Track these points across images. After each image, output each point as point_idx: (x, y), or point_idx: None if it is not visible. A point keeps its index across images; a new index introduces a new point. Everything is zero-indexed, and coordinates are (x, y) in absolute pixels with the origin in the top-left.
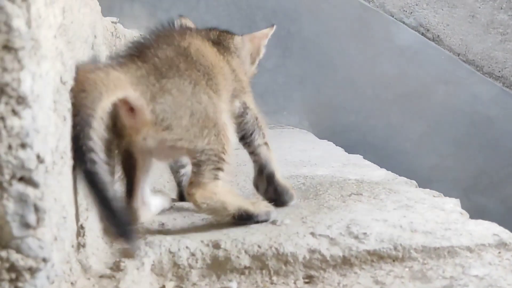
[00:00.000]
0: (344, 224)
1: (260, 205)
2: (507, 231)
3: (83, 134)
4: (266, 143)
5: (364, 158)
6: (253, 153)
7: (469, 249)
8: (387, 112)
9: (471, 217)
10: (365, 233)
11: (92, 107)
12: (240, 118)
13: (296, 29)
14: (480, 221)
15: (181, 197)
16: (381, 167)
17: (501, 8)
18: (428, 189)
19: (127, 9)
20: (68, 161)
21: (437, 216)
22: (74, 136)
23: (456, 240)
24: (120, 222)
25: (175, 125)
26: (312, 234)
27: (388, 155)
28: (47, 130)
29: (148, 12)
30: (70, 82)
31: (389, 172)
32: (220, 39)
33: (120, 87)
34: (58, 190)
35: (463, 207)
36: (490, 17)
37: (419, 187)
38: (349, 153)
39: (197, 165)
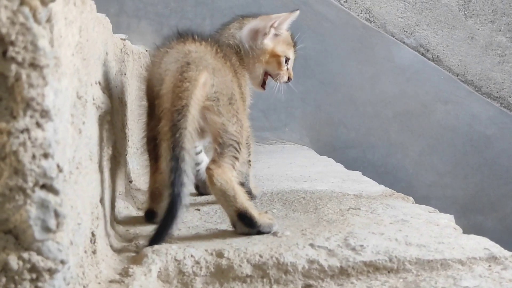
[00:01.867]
0: (342, 236)
1: (264, 217)
2: (497, 245)
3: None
4: (249, 161)
5: (363, 174)
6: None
7: (461, 262)
8: (386, 129)
9: (468, 234)
10: (362, 245)
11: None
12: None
13: (299, 48)
14: (472, 235)
15: (196, 187)
16: (380, 184)
17: (500, 30)
18: (424, 205)
19: (134, 26)
20: (83, 171)
21: (431, 230)
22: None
23: (449, 253)
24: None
25: (220, 98)
26: (311, 245)
27: (387, 172)
28: (65, 141)
29: (154, 29)
30: (85, 97)
31: (387, 188)
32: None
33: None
34: (74, 198)
35: (460, 225)
36: (488, 39)
37: (416, 203)
38: (348, 169)
39: (222, 146)
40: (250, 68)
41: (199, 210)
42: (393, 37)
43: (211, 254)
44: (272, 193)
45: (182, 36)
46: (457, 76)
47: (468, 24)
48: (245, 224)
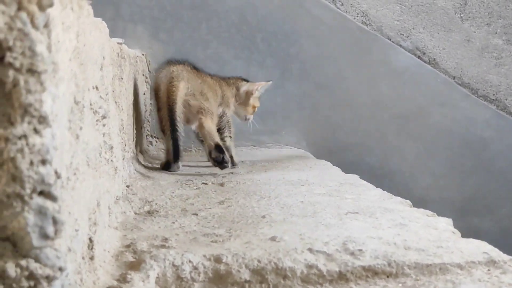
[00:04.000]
0: (341, 241)
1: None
2: (496, 249)
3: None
4: (230, 136)
5: (360, 177)
6: (222, 139)
7: (459, 266)
8: (383, 132)
9: (465, 237)
10: (360, 250)
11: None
12: (220, 118)
13: (295, 51)
14: (471, 239)
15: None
16: (377, 187)
17: (496, 33)
18: (422, 209)
19: (130, 30)
20: (80, 176)
21: (430, 234)
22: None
23: (448, 258)
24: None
25: (195, 93)
26: (310, 250)
27: (384, 174)
28: (63, 147)
29: (150, 33)
30: (83, 102)
31: (385, 192)
32: (230, 82)
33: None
34: (71, 204)
35: (457, 227)
36: (485, 42)
37: (414, 207)
38: (345, 172)
39: (203, 113)
40: (236, 106)
41: (196, 215)
42: (390, 40)
43: (209, 259)
44: (270, 197)
45: (169, 61)
46: (454, 79)
47: (464, 27)
48: (218, 151)
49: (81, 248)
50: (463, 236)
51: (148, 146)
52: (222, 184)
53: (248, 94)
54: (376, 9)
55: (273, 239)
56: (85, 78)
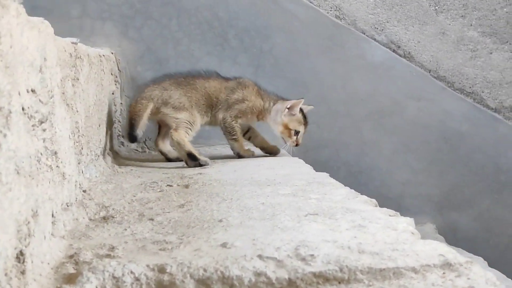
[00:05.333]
0: (294, 245)
1: (202, 156)
2: (453, 251)
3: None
4: (233, 139)
5: (337, 174)
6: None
7: (414, 270)
8: (359, 128)
9: (444, 232)
10: (312, 255)
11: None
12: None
13: (268, 47)
14: (429, 241)
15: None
16: (353, 183)
17: (471, 25)
18: (385, 208)
19: (98, 28)
20: (3, 187)
21: (387, 236)
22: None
23: (402, 261)
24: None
25: (168, 103)
26: (260, 256)
27: (361, 171)
28: None
29: (120, 31)
30: (8, 108)
31: (352, 190)
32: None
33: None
34: None
35: (435, 222)
36: (460, 34)
37: (392, 203)
38: (321, 170)
39: (176, 124)
40: (272, 127)
41: (152, 220)
42: (364, 34)
43: (153, 269)
44: (231, 199)
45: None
46: (429, 72)
47: (439, 20)
48: (191, 159)
49: (4, 264)
50: (440, 232)
51: (120, 146)
52: (187, 186)
53: (279, 112)
54: (349, 3)
55: (224, 245)
56: (13, 82)
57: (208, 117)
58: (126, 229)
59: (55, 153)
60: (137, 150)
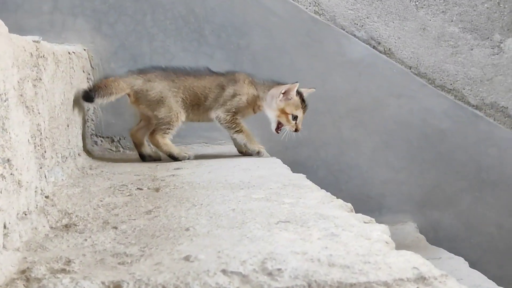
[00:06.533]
0: (261, 258)
1: (181, 151)
2: (428, 263)
3: None
4: (236, 131)
5: (315, 173)
6: (231, 136)
7: (386, 285)
8: (339, 126)
9: (425, 231)
10: (279, 269)
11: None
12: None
13: (246, 43)
14: (403, 251)
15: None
16: (333, 183)
17: (452, 21)
18: (360, 214)
19: (70, 24)
20: None
21: (360, 246)
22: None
23: (374, 275)
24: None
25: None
26: (224, 271)
27: (341, 169)
28: None
29: (92, 26)
30: None
31: (328, 194)
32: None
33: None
34: None
35: (417, 221)
36: (440, 30)
37: (373, 202)
38: (301, 169)
39: (157, 124)
40: (268, 114)
41: (116, 228)
42: (343, 30)
43: (108, 287)
44: (202, 204)
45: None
46: (410, 69)
47: (419, 15)
48: (173, 158)
49: None
50: (422, 231)
51: (93, 146)
52: (157, 190)
53: (274, 98)
54: None
55: (187, 258)
56: None
57: (195, 115)
58: (86, 239)
59: (8, 160)
60: (111, 150)
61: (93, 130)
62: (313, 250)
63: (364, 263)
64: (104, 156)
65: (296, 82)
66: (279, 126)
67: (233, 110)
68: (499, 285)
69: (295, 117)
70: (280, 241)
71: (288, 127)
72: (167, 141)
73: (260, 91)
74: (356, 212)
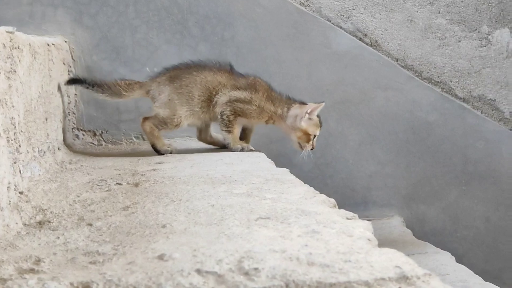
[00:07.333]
0: (238, 257)
1: (164, 146)
2: (411, 262)
3: None
4: (227, 131)
5: (301, 167)
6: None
7: (367, 285)
8: (325, 119)
9: (412, 224)
10: (256, 269)
11: None
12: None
13: (230, 35)
14: (385, 250)
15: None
16: (318, 176)
17: (439, 12)
18: (343, 210)
19: (50, 15)
20: None
21: (341, 244)
22: None
23: (355, 274)
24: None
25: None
26: (198, 271)
27: (326, 163)
28: None
29: (73, 18)
30: None
31: (311, 188)
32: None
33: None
34: None
35: (403, 215)
36: (428, 22)
37: (359, 195)
38: (286, 162)
39: (155, 116)
40: (287, 132)
41: (91, 225)
42: (330, 21)
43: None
44: (181, 200)
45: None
46: (397, 61)
47: (406, 7)
48: (155, 151)
49: None
50: (408, 224)
51: (74, 140)
52: (137, 185)
53: (298, 118)
54: None
55: (161, 257)
56: None
57: (206, 113)
58: (59, 237)
59: None
60: (93, 144)
61: (74, 124)
62: (293, 248)
63: (345, 261)
64: (85, 150)
65: (322, 102)
66: (301, 145)
67: (238, 113)
68: (486, 279)
69: (314, 136)
70: (259, 239)
71: (307, 148)
72: (156, 132)
73: (278, 107)
74: (342, 206)
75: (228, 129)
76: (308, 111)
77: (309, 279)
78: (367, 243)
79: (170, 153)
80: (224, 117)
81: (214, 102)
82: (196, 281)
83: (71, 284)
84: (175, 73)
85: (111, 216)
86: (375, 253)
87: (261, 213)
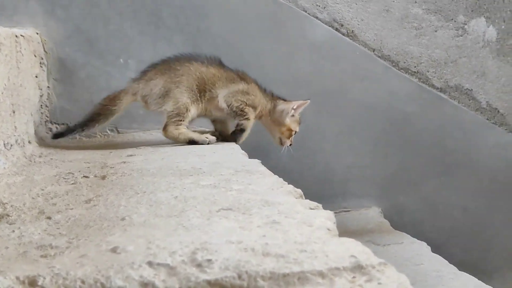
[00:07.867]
0: (192, 248)
1: (201, 136)
2: (367, 250)
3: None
4: (246, 118)
5: (278, 159)
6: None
7: (321, 275)
8: (303, 111)
9: (390, 215)
10: (209, 260)
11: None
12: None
13: (206, 27)
14: (344, 239)
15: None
16: (296, 168)
17: (415, 2)
18: (307, 200)
19: (22, 6)
20: None
21: (300, 234)
22: None
23: (309, 264)
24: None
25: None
26: (150, 263)
27: (305, 155)
28: None
29: (45, 9)
30: None
31: (280, 179)
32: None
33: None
34: None
35: (382, 206)
36: (404, 11)
37: (337, 187)
38: (263, 155)
39: (168, 117)
40: (270, 127)
41: (50, 218)
42: (305, 12)
43: (23, 282)
44: (145, 192)
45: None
46: (373, 51)
47: None
48: (192, 143)
49: None
50: (386, 215)
51: (47, 133)
52: (103, 177)
53: (284, 113)
54: None
55: (114, 250)
56: None
57: (203, 103)
58: (14, 231)
59: None
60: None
61: (47, 117)
62: (250, 239)
63: (301, 251)
64: (58, 144)
65: (308, 99)
66: (281, 140)
67: (245, 102)
68: (463, 269)
69: (295, 133)
70: (217, 230)
71: (287, 143)
72: (182, 130)
73: (268, 102)
74: (320, 197)
75: (246, 117)
76: (294, 107)
77: (262, 269)
78: (326, 233)
79: (208, 143)
80: (234, 108)
81: (213, 95)
82: (147, 273)
83: (17, 278)
84: (164, 67)
85: (72, 209)
86: (333, 242)
87: (224, 205)
